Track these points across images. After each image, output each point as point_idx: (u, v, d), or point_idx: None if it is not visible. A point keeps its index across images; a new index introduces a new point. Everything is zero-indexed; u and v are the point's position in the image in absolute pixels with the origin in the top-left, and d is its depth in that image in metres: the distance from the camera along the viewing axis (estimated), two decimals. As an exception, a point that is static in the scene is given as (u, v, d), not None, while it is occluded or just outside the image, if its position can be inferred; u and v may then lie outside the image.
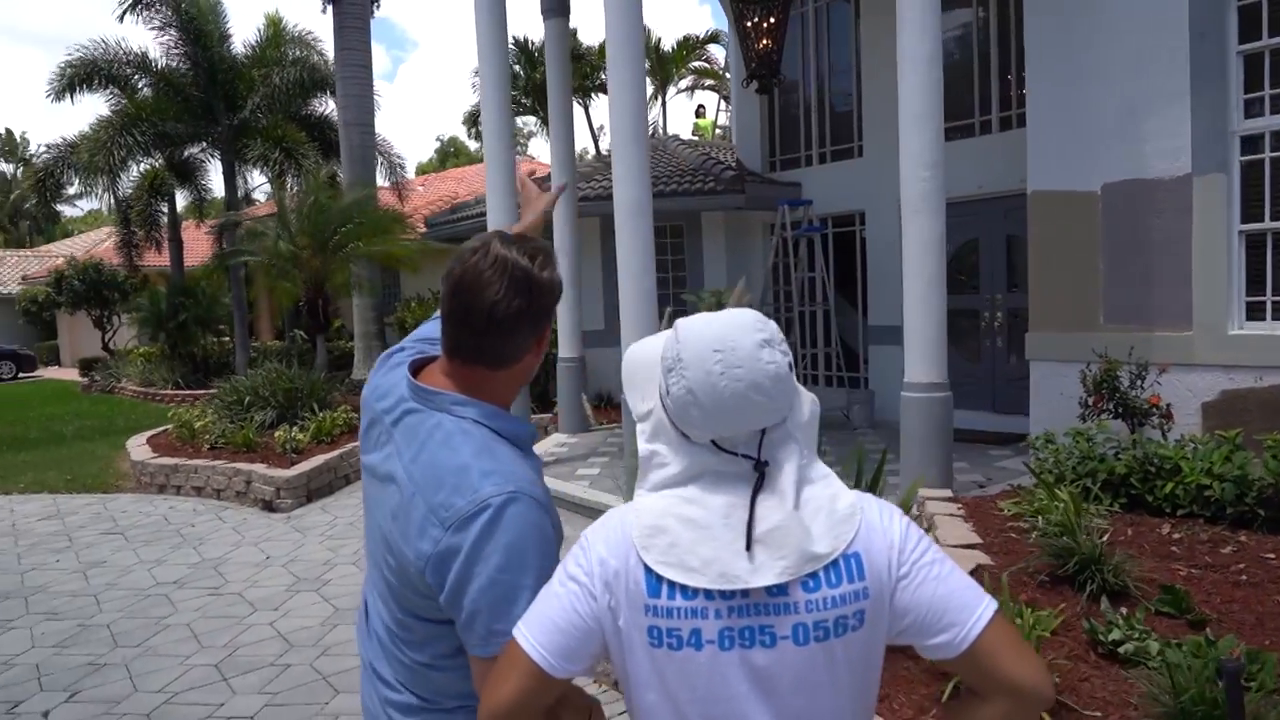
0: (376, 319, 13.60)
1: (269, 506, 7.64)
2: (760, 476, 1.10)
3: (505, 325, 1.30)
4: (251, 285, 16.80)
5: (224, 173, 17.09)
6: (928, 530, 5.06)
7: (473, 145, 42.71)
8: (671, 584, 1.09)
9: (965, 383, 9.02)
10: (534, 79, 20.02)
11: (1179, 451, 4.96)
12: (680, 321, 1.15)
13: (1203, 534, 4.43)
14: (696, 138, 17.99)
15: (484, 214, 12.33)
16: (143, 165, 17.71)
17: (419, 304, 12.82)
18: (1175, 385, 5.95)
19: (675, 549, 1.09)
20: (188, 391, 15.28)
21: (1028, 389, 7.10)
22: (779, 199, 10.18)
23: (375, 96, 14.82)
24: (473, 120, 29.01)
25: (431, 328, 1.62)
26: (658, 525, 1.11)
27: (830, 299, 10.23)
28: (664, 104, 24.34)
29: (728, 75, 20.55)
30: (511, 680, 1.13)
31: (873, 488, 3.44)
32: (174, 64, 16.50)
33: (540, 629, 1.14)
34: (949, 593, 1.11)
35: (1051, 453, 5.37)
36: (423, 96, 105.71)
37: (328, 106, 17.55)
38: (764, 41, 7.96)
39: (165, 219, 19.27)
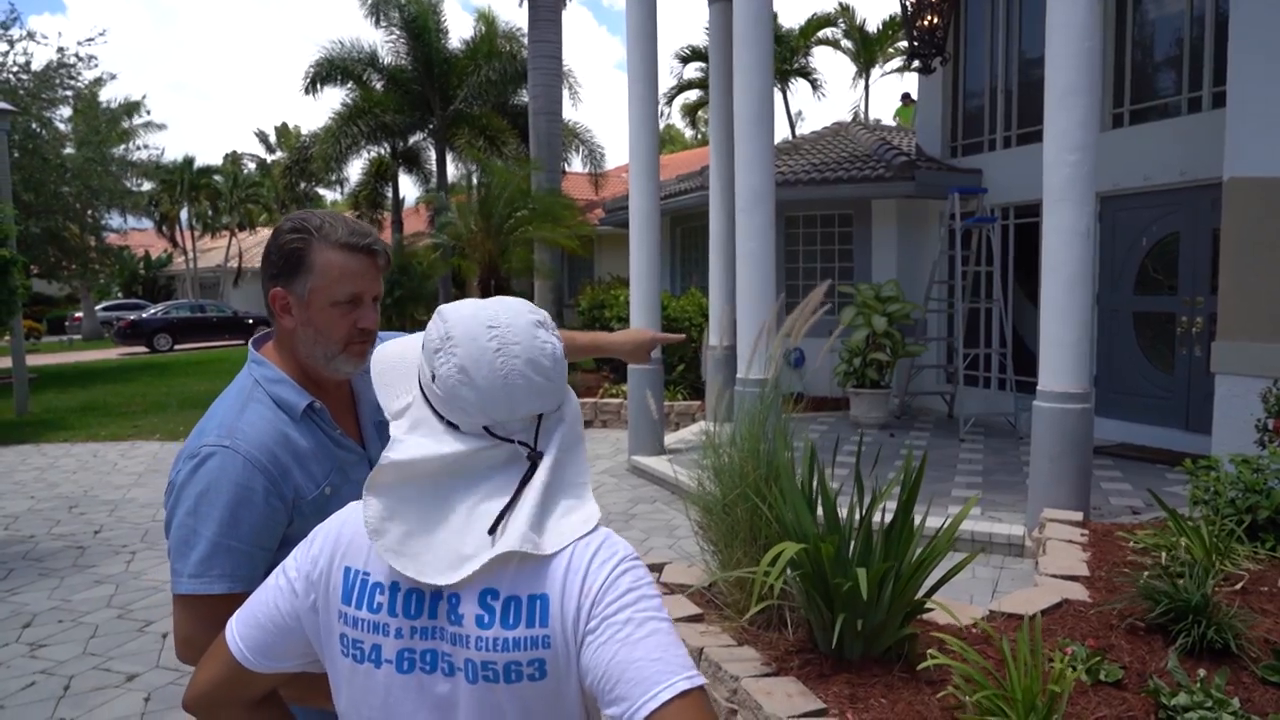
0: (555, 301, 14.16)
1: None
2: (532, 465, 1.04)
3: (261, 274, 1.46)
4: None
5: (437, 160, 18.48)
6: (1040, 556, 4.57)
7: (688, 133, 43.14)
8: (361, 594, 1.05)
9: (1155, 395, 8.00)
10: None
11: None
12: (445, 307, 1.08)
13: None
14: (897, 124, 17.11)
15: (665, 197, 12.49)
16: (370, 154, 19.56)
17: (595, 287, 13.19)
18: (1393, 413, 4.94)
19: (410, 538, 1.02)
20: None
21: (1215, 406, 6.18)
22: (950, 187, 9.48)
23: (575, 85, 15.45)
24: (691, 110, 29.21)
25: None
26: (393, 510, 1.03)
27: (1005, 295, 9.41)
28: (867, 87, 23.31)
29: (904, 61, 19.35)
30: (211, 667, 1.13)
31: (911, 497, 3.15)
32: (398, 61, 18.04)
33: (243, 621, 1.13)
34: (632, 659, 0.93)
35: (1210, 481, 4.65)
36: (618, 94, 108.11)
37: (526, 96, 18.47)
38: (929, 18, 7.41)
39: (389, 202, 21.16)
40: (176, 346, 25.15)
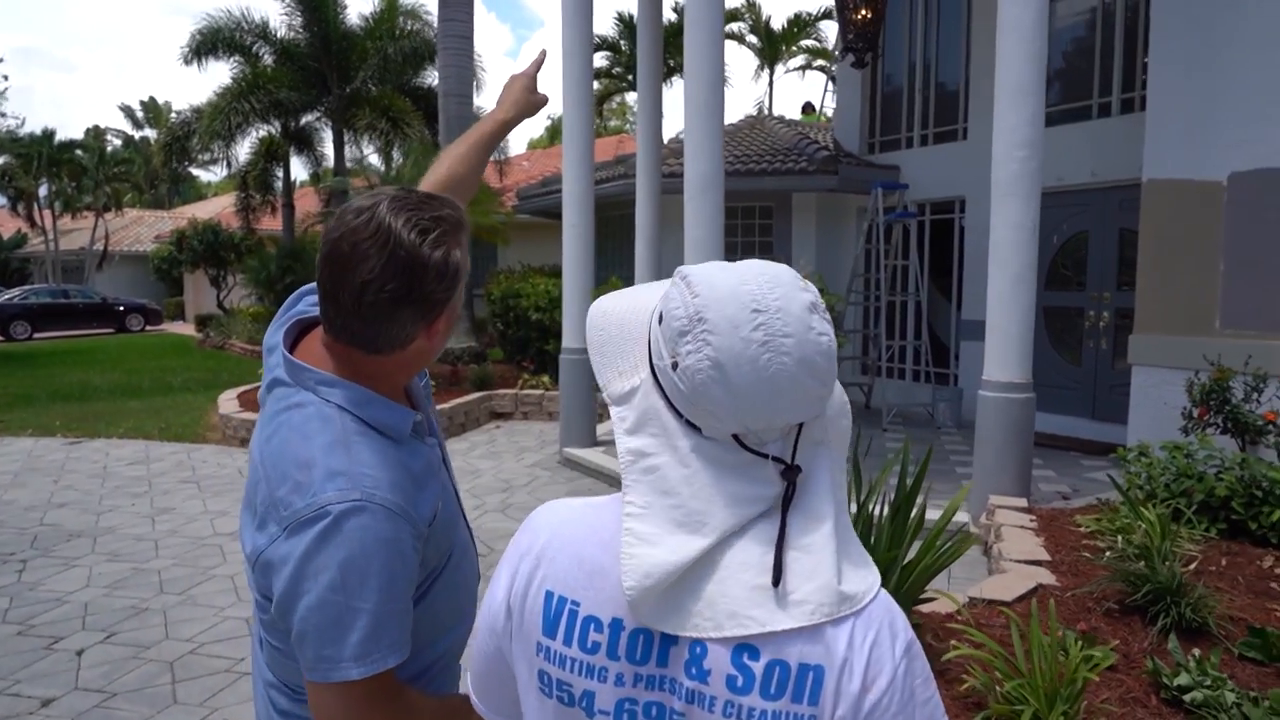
0: (466, 289, 13.77)
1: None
2: (790, 486, 0.83)
3: (377, 311, 1.09)
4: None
5: (334, 141, 17.64)
6: (994, 542, 4.67)
7: (582, 122, 42.81)
8: (570, 628, 0.86)
9: (1064, 386, 8.38)
10: (635, 54, 19.79)
11: (1293, 475, 4.40)
12: (690, 270, 0.85)
13: (1312, 571, 3.91)
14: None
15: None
16: (260, 132, 18.50)
17: (507, 276, 12.85)
18: (1300, 402, 5.30)
19: (671, 590, 0.82)
20: (288, 351, 15.85)
21: (1130, 396, 6.51)
22: (873, 181, 9.68)
23: (481, 69, 14.97)
24: (597, 100, 28.99)
25: None
26: (649, 557, 0.82)
27: (922, 289, 9.70)
28: (771, 84, 23.76)
29: (837, 55, 19.85)
30: None
31: (913, 492, 3.12)
32: (292, 34, 17.10)
33: (479, 688, 0.98)
34: None
35: (1144, 467, 4.87)
36: (545, 74, 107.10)
37: (434, 78, 17.86)
38: (863, 12, 7.51)
39: (280, 184, 20.09)
40: (36, 335, 23.19)
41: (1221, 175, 5.81)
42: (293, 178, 20.66)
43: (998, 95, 5.18)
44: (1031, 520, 4.83)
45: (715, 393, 0.79)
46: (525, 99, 1.69)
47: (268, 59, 17.45)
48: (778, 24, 21.81)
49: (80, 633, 4.21)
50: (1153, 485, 4.73)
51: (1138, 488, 4.77)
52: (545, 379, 10.42)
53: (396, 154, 17.19)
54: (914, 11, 10.00)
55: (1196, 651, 2.96)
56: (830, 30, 23.49)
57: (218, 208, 31.05)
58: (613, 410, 0.91)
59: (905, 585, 3.00)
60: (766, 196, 10.75)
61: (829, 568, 0.81)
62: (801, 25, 22.22)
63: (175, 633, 4.19)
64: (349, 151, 18.10)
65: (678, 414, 0.84)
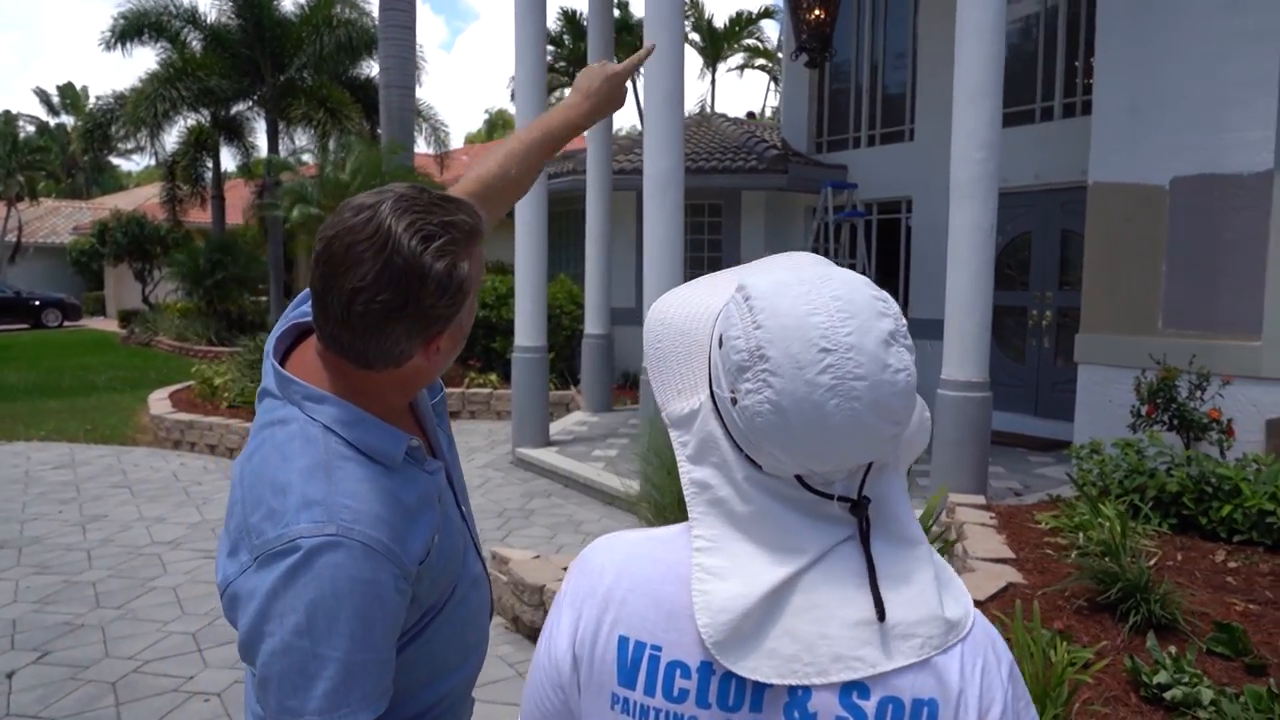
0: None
1: (279, 469, 7.49)
2: (864, 521, 0.76)
3: (367, 322, 0.96)
4: (290, 245, 16.81)
5: (268, 132, 17.07)
6: (955, 540, 4.71)
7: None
8: (651, 675, 0.77)
9: (1008, 383, 8.56)
10: (579, 49, 19.66)
11: (1239, 471, 4.54)
12: (751, 285, 0.76)
13: (1263, 564, 4.03)
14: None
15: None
16: (189, 121, 17.81)
17: (451, 272, 12.62)
18: (1238, 398, 5.49)
19: (760, 633, 0.75)
20: (221, 348, 15.32)
21: (1073, 393, 6.67)
22: (823, 181, 9.76)
23: (420, 60, 14.66)
24: (514, 94, 28.76)
25: None
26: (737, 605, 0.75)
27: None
28: (713, 82, 23.84)
29: (780, 54, 19.99)
30: None
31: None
32: (224, 20, 16.49)
33: None
34: None
35: (1096, 463, 4.97)
36: (478, 68, 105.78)
37: (372, 69, 17.45)
38: (816, 12, 7.53)
39: (210, 175, 19.37)
40: (-58, 331, 21.96)
41: (1164, 180, 5.98)
42: (223, 169, 19.94)
43: (956, 97, 5.23)
44: (991, 518, 4.89)
45: (775, 438, 0.73)
46: (610, 100, 1.50)
47: (196, 45, 16.79)
48: (720, 22, 21.83)
49: (9, 653, 3.93)
50: (1106, 482, 4.83)
51: (1091, 484, 4.87)
52: (493, 377, 10.24)
53: (334, 145, 16.72)
54: (861, 12, 10.11)
55: (1173, 649, 3.01)
56: (771, 30, 23.71)
57: (140, 198, 29.80)
58: (672, 433, 0.84)
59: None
60: (715, 195, 10.75)
61: (932, 595, 0.76)
62: (743, 24, 22.35)
63: (116, 650, 3.95)
64: (284, 143, 17.54)
65: (737, 446, 0.77)
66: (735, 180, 10.16)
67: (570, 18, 20.66)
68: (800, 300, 0.73)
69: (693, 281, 0.94)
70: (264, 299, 19.17)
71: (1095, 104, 6.42)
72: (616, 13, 18.95)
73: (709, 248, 10.99)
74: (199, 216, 20.87)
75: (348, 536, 0.94)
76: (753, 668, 0.74)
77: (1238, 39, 5.48)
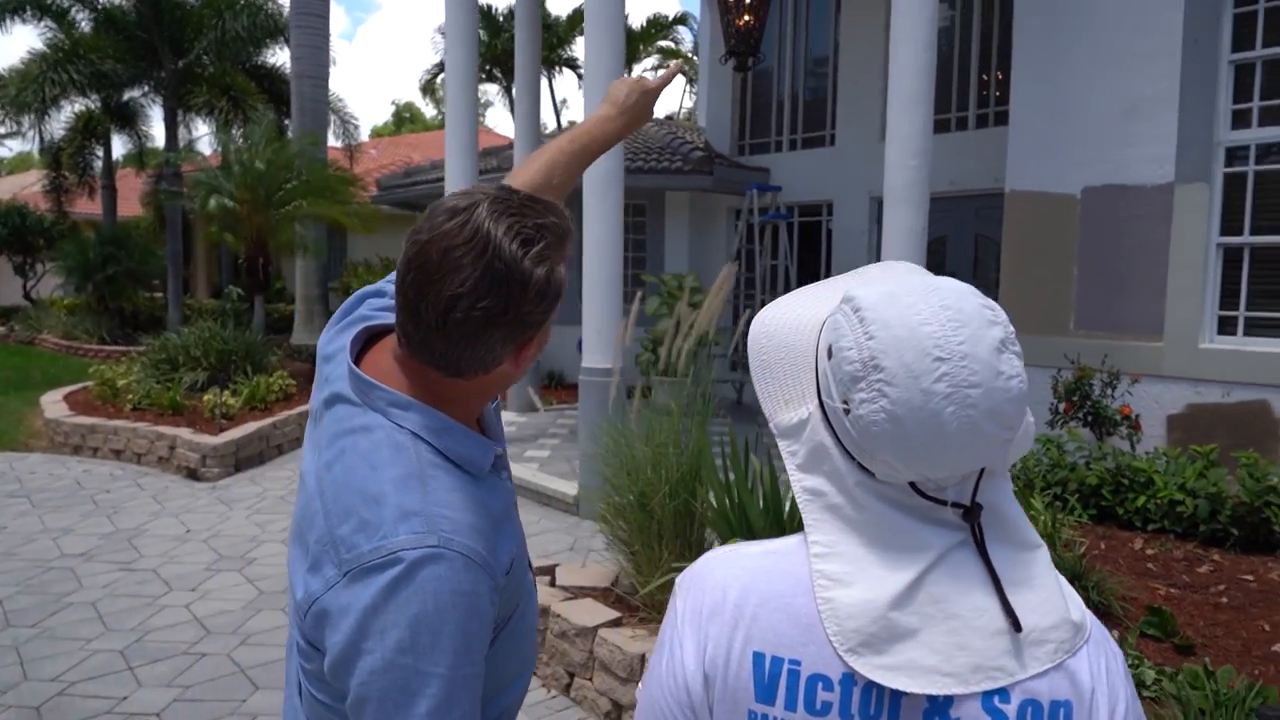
0: (320, 282, 13.04)
1: (193, 475, 7.15)
2: (976, 528, 0.78)
3: (465, 330, 0.94)
4: (189, 239, 16.03)
5: (165, 120, 16.22)
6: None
7: (429, 112, 41.68)
8: (791, 690, 0.77)
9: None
10: (496, 46, 19.40)
11: (1151, 464, 4.84)
12: (859, 296, 0.77)
13: (1176, 551, 4.31)
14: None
15: (438, 180, 11.87)
16: (77, 106, 16.77)
17: (368, 270, 12.28)
18: (1143, 396, 5.86)
19: (894, 644, 0.76)
20: (114, 347, 14.48)
21: (992, 392, 6.97)
22: (748, 183, 9.93)
23: (331, 52, 14.18)
24: (430, 87, 28.17)
25: None
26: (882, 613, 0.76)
27: (793, 289, 10.03)
28: (629, 82, 23.81)
29: (695, 57, 20.21)
30: None
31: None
32: (117, 0, 15.59)
33: None
34: None
35: (1020, 458, 5.22)
36: (381, 59, 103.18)
37: (279, 58, 16.82)
38: (745, 18, 7.65)
39: (100, 164, 18.29)
40: None
41: (1075, 189, 6.32)
42: (114, 157, 18.85)
43: (890, 106, 5.40)
44: (925, 512, 5.08)
45: (891, 446, 0.74)
46: (642, 115, 1.49)
47: (85, 26, 15.82)
48: (636, 23, 21.91)
49: (-85, 678, 3.64)
50: (1029, 475, 5.08)
51: (1016, 478, 5.12)
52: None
53: (238, 135, 16.03)
54: (784, 18, 10.33)
55: (1115, 634, 3.19)
56: (686, 34, 23.91)
57: (15, 186, 27.86)
58: (780, 443, 0.85)
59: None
60: (640, 195, 10.78)
61: (1059, 600, 0.79)
62: (660, 27, 22.49)
63: (36, 672, 3.70)
64: (182, 132, 16.71)
65: (848, 454, 0.79)
66: (661, 181, 10.23)
67: (485, 13, 20.36)
68: (910, 310, 0.75)
69: (792, 294, 0.95)
70: (160, 295, 18.21)
71: (1012, 116, 6.73)
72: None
73: (633, 248, 11.01)
74: (87, 207, 19.67)
75: (448, 548, 0.91)
76: (892, 676, 0.74)
77: (1143, 58, 5.84)
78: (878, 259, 9.05)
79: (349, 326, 1.16)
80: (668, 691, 0.84)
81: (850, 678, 0.76)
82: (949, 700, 0.75)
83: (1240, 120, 5.66)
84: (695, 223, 10.98)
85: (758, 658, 0.79)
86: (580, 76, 23.01)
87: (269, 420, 7.96)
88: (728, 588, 0.82)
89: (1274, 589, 3.79)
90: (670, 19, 23.16)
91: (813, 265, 10.28)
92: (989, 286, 7.77)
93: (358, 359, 1.08)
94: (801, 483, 0.83)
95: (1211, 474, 4.59)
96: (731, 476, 3.41)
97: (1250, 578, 3.91)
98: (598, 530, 4.07)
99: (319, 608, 0.92)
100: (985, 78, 8.57)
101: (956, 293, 0.77)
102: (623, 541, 3.73)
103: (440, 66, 23.08)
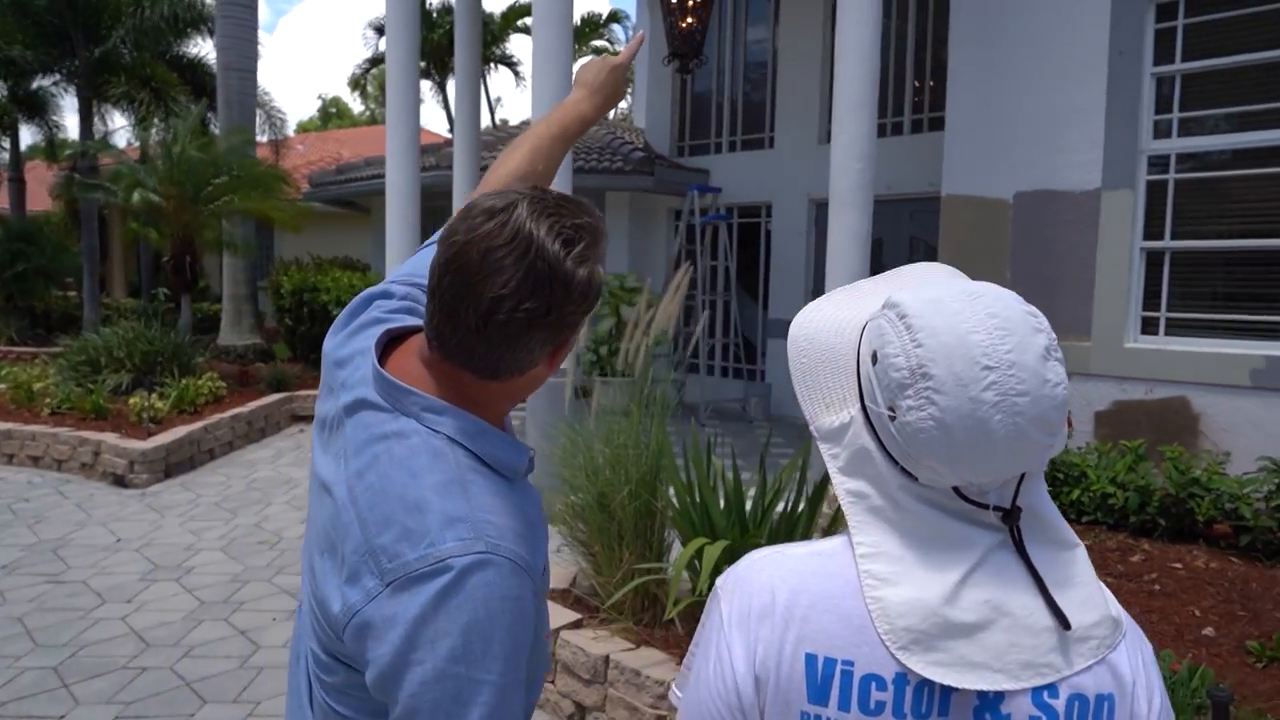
0: (249, 281, 12.64)
1: (120, 482, 6.85)
2: (1015, 530, 0.79)
3: (507, 332, 0.93)
4: (105, 235, 15.35)
5: (80, 110, 15.48)
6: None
7: (357, 107, 40.81)
8: (845, 691, 0.78)
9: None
10: (430, 41, 19.10)
11: (1084, 459, 5.05)
12: (904, 302, 0.79)
13: (1110, 541, 4.50)
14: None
15: (373, 177, 11.64)
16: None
17: (299, 268, 11.92)
18: (1074, 393, 6.10)
19: (952, 642, 0.77)
20: (25, 348, 13.77)
21: (930, 390, 7.17)
22: (688, 184, 9.99)
23: (259, 46, 13.75)
24: (359, 83, 27.59)
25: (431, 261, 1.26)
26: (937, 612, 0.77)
27: (733, 290, 10.14)
28: (564, 81, 23.78)
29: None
30: None
31: (822, 486, 3.26)
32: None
33: None
34: None
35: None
36: (304, 52, 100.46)
37: (203, 49, 16.26)
38: (688, 19, 7.70)
39: (6, 156, 17.38)
40: None
41: (1008, 194, 6.54)
42: (22, 148, 17.93)
43: (836, 109, 5.50)
44: (871, 508, 5.20)
45: (938, 452, 0.76)
46: (616, 93, 1.49)
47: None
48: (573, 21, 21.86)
49: None
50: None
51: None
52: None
53: (158, 128, 15.41)
54: (723, 22, 10.43)
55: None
56: (620, 33, 23.93)
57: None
58: (821, 446, 0.87)
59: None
60: (581, 195, 10.73)
61: (1099, 597, 0.82)
62: (594, 26, 22.48)
63: (-38, 692, 3.50)
64: (97, 124, 15.97)
65: (891, 459, 0.81)
66: (602, 181, 10.22)
67: (420, 7, 20.05)
68: (957, 318, 0.77)
69: (828, 296, 0.97)
70: (74, 294, 17.40)
71: (948, 122, 6.93)
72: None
73: (574, 247, 11.00)
74: (-9, 201, 18.68)
75: (496, 553, 0.90)
76: (944, 673, 0.76)
77: (1073, 68, 6.08)
78: (817, 261, 9.25)
79: (361, 329, 1.13)
80: (716, 695, 0.84)
81: (903, 677, 0.78)
82: (1000, 696, 0.77)
83: (1161, 130, 5.94)
84: (636, 223, 11.00)
85: (810, 659, 0.80)
86: (517, 75, 22.85)
87: (200, 424, 7.68)
88: (776, 589, 0.83)
89: (1200, 576, 3.99)
90: (604, 18, 23.18)
91: (753, 266, 10.41)
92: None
93: (380, 363, 1.06)
94: (844, 485, 0.84)
95: (1140, 468, 4.81)
96: (694, 476, 3.43)
97: (1179, 565, 4.11)
98: (555, 531, 4.04)
99: (360, 620, 0.90)
100: (919, 85, 8.80)
101: (1001, 300, 0.80)
102: (581, 543, 3.72)
103: (372, 62, 22.65)
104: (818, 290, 9.41)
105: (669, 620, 3.37)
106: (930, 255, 8.48)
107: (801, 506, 3.35)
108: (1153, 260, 6.05)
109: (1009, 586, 0.78)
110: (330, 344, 1.15)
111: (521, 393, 1.04)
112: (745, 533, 3.14)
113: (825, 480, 3.31)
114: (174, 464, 7.16)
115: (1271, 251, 5.52)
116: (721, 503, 3.39)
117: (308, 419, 9.40)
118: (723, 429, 8.81)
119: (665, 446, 3.55)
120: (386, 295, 1.18)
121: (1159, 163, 5.97)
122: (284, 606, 4.43)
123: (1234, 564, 4.09)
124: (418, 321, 1.11)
